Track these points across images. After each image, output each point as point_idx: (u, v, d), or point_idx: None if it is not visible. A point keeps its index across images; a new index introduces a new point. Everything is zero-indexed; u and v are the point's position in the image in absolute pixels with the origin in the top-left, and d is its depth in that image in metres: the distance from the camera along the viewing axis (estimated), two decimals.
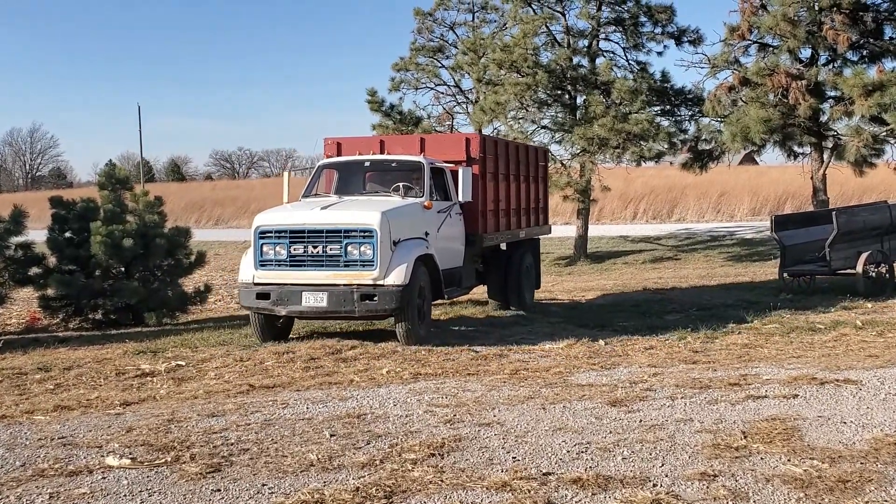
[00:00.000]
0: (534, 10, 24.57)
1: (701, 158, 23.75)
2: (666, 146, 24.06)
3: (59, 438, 6.16)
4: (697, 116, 24.27)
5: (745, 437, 5.64)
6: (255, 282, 10.62)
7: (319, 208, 10.69)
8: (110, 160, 16.54)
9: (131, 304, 13.89)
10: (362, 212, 10.56)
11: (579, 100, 24.73)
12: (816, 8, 20.87)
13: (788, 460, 5.17)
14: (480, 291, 14.43)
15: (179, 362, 9.81)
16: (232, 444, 5.83)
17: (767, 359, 9.25)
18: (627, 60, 24.91)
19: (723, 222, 32.84)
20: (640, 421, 6.19)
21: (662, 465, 5.16)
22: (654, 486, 4.80)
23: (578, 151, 24.33)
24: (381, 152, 12.73)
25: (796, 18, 20.84)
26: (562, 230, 25.68)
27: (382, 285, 10.25)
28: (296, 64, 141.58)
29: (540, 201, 15.20)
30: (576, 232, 26.01)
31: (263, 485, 4.99)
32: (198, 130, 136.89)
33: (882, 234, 15.43)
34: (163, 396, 8.13)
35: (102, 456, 5.61)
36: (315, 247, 10.43)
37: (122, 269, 14.13)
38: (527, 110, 24.62)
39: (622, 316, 13.39)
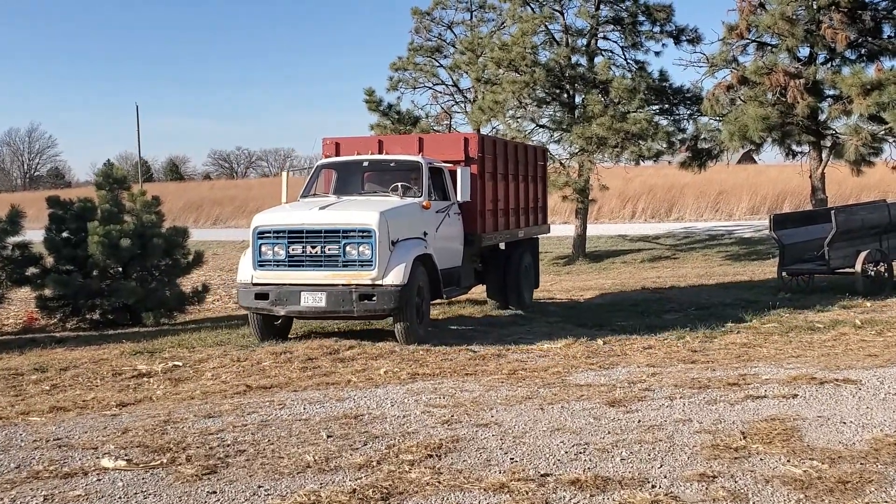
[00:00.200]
0: (532, 9, 24.55)
1: (699, 157, 23.72)
2: (664, 145, 24.05)
3: (54, 440, 6.13)
4: (696, 115, 24.24)
5: (745, 438, 5.61)
6: (254, 282, 10.61)
7: (318, 208, 10.67)
8: (108, 160, 16.54)
9: (129, 305, 13.86)
10: (361, 212, 10.55)
11: (578, 99, 24.72)
12: (815, 7, 20.83)
13: (788, 461, 5.14)
14: (479, 291, 14.40)
15: (176, 363, 9.79)
16: (228, 446, 5.80)
17: (766, 358, 9.22)
18: (626, 59, 24.94)
19: (721, 221, 32.81)
20: (639, 421, 6.17)
21: (661, 465, 5.13)
22: (653, 487, 4.78)
23: (577, 151, 24.32)
24: (380, 152, 12.72)
25: (795, 17, 20.80)
26: (560, 229, 25.65)
27: (381, 285, 10.23)
28: (295, 64, 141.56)
29: (539, 201, 15.18)
30: (574, 231, 25.98)
31: (259, 486, 4.96)
32: (197, 130, 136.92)
33: (881, 233, 15.41)
34: (159, 397, 8.11)
35: (98, 457, 5.58)
36: (313, 247, 10.42)
37: (120, 269, 14.11)
38: (525, 109, 24.60)
39: (620, 315, 13.37)
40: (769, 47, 21.94)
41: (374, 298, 10.23)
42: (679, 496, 4.63)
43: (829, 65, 21.71)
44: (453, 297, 12.82)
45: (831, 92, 21.34)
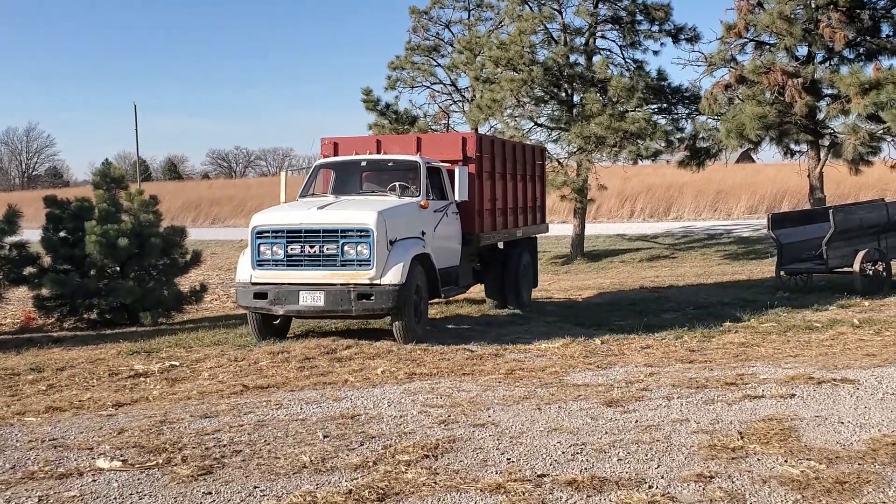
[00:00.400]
0: (531, 8, 24.53)
1: (698, 156, 23.71)
2: (663, 144, 24.04)
3: (49, 440, 6.11)
4: (694, 114, 24.22)
5: (742, 438, 5.60)
6: (253, 281, 10.61)
7: (316, 208, 10.66)
8: (106, 159, 16.48)
9: (126, 304, 13.83)
10: (359, 211, 10.54)
11: (576, 98, 24.70)
12: (813, 6, 20.83)
13: (785, 461, 5.13)
14: (477, 290, 14.39)
15: (173, 362, 9.76)
16: (224, 446, 5.78)
17: (764, 358, 9.21)
18: (624, 58, 24.91)
19: (720, 220, 32.79)
20: (636, 421, 6.16)
21: (658, 466, 5.12)
22: (650, 487, 4.76)
23: (575, 150, 24.31)
24: (378, 152, 12.72)
25: (793, 16, 20.79)
26: (558, 229, 25.63)
27: (379, 284, 10.23)
28: (295, 64, 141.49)
29: (537, 200, 15.17)
30: (572, 230, 25.97)
31: (255, 487, 4.95)
32: (196, 130, 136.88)
33: (879, 232, 15.40)
34: (156, 397, 8.08)
35: (93, 458, 5.57)
36: (312, 246, 10.41)
37: (118, 268, 14.08)
38: (523, 107, 24.59)
39: (619, 315, 13.36)
40: (767, 46, 21.93)
41: (373, 298, 10.23)
42: (676, 497, 4.62)
43: (827, 64, 21.70)
44: (451, 296, 12.82)
45: (829, 91, 21.34)
